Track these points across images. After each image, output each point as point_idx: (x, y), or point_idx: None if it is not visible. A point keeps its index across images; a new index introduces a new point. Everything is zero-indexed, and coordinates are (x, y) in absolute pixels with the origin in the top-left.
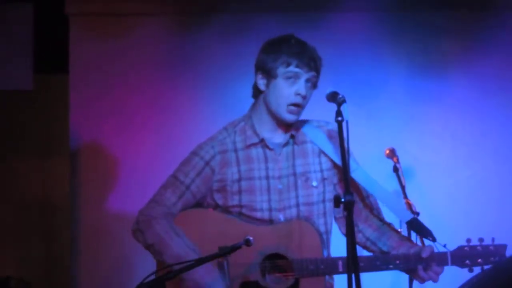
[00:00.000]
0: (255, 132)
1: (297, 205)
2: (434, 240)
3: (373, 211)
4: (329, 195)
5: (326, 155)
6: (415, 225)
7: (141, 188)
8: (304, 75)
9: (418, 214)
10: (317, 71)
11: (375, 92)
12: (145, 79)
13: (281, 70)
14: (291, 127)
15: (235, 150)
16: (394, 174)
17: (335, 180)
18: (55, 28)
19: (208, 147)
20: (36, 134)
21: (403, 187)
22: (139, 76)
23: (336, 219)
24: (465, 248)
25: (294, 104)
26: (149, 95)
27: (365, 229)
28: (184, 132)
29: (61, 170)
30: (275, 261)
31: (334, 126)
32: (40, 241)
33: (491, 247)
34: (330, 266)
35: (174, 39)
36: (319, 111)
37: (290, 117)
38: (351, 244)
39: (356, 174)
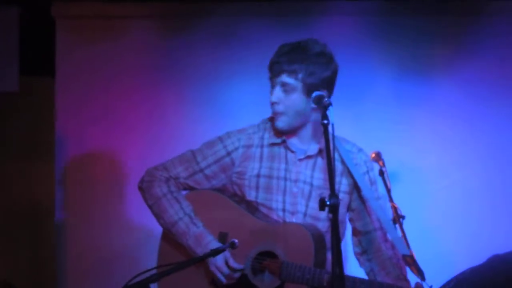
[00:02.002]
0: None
1: (305, 214)
2: (423, 279)
3: (385, 242)
4: (340, 217)
5: (350, 177)
6: (409, 261)
7: (128, 192)
8: (277, 81)
9: (403, 217)
10: (294, 72)
11: (362, 95)
12: (132, 82)
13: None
14: (306, 139)
15: (261, 146)
16: (379, 178)
17: (354, 205)
18: (41, 30)
19: (235, 139)
20: (21, 137)
21: (388, 190)
22: (126, 79)
23: (355, 253)
24: None
25: (274, 113)
26: (136, 98)
27: (374, 260)
28: (172, 134)
29: (46, 173)
30: (265, 260)
31: (365, 155)
32: (27, 245)
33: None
34: (316, 278)
35: (162, 42)
36: None
37: (276, 124)
38: (336, 248)
39: (376, 203)
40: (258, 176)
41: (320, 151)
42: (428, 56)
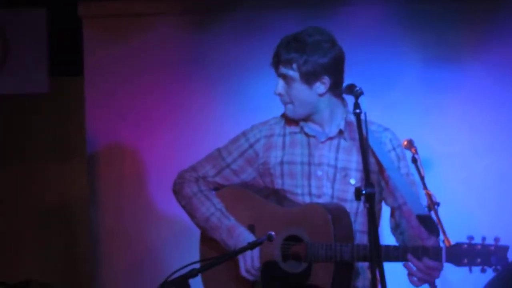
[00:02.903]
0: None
1: (332, 196)
2: (437, 237)
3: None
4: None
5: (374, 156)
6: (424, 219)
7: (158, 188)
8: (278, 73)
9: (438, 204)
10: (289, 61)
11: (390, 83)
12: (159, 78)
13: None
14: (326, 122)
15: (284, 135)
16: (412, 165)
17: (382, 184)
18: (69, 31)
19: (256, 131)
20: (53, 137)
21: (422, 178)
22: (153, 76)
23: (391, 229)
24: (463, 245)
25: (283, 103)
26: (164, 94)
27: (405, 232)
28: (200, 130)
29: (79, 173)
30: (291, 244)
31: (390, 133)
32: (60, 244)
33: (491, 247)
34: (338, 253)
35: (187, 38)
36: None
37: (286, 113)
38: (374, 237)
39: (401, 179)
40: (281, 163)
41: (340, 132)
42: (455, 41)
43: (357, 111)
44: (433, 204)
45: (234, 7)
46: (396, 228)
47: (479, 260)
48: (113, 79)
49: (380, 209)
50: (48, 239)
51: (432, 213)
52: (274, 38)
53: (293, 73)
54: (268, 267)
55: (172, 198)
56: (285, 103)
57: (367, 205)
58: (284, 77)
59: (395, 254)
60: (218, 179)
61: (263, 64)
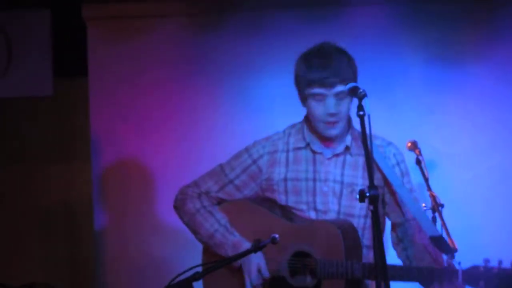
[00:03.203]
0: (303, 136)
1: (338, 212)
2: (452, 258)
3: (420, 232)
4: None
5: (379, 171)
6: (437, 241)
7: (163, 189)
8: (329, 93)
9: (442, 206)
10: (344, 81)
11: (393, 84)
12: (164, 80)
13: (307, 91)
14: (336, 139)
15: (287, 151)
16: (417, 167)
17: (386, 199)
18: (73, 32)
19: (259, 147)
20: (56, 138)
21: (426, 179)
22: (158, 77)
23: (393, 244)
24: (480, 268)
25: (328, 123)
26: (167, 95)
27: (409, 248)
28: (204, 131)
29: (83, 175)
30: (301, 260)
31: (394, 148)
32: (64, 246)
33: (509, 271)
34: (349, 270)
35: (192, 39)
36: None
37: (328, 133)
38: (377, 240)
39: (407, 194)
40: (285, 180)
41: (347, 148)
42: (458, 41)
43: (361, 113)
44: (437, 206)
45: (236, 8)
46: (398, 243)
47: (497, 281)
48: (117, 80)
49: (384, 223)
50: (51, 241)
51: (436, 215)
52: (276, 39)
53: (343, 89)
54: (275, 282)
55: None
56: (334, 122)
57: (371, 207)
58: (338, 94)
59: (410, 274)
60: (220, 195)
61: (266, 64)
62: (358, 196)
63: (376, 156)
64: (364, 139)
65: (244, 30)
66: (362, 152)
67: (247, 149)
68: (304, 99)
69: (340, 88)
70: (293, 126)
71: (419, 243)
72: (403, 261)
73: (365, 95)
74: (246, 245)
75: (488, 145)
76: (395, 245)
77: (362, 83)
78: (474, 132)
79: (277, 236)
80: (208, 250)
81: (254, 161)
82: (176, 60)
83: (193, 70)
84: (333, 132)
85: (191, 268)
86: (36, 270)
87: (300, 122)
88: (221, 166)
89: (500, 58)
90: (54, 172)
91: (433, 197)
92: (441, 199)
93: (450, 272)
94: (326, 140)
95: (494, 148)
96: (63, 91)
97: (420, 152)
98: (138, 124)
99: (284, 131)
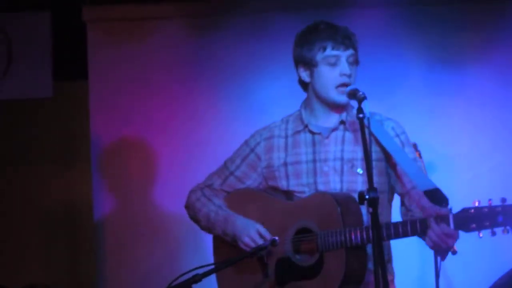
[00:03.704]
0: (301, 120)
1: (341, 190)
2: (446, 206)
3: (423, 198)
4: (379, 186)
5: (378, 144)
6: (433, 193)
7: (163, 191)
8: (343, 55)
9: None
10: (354, 48)
11: (395, 86)
12: (164, 82)
13: (319, 56)
14: (344, 110)
15: (286, 137)
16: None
17: (389, 171)
18: (73, 35)
19: (257, 135)
20: (57, 141)
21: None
22: (158, 79)
23: (402, 216)
24: (470, 210)
25: (342, 85)
26: (168, 97)
27: (415, 214)
28: (205, 133)
29: (83, 176)
30: (302, 236)
31: (393, 122)
32: (65, 248)
33: (498, 208)
34: (347, 238)
35: (192, 41)
36: None
37: (339, 99)
38: (377, 241)
39: (408, 164)
40: (285, 164)
41: (342, 122)
42: (459, 44)
43: (360, 115)
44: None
45: (237, 10)
46: (406, 213)
47: (487, 223)
48: (117, 82)
49: (391, 199)
50: (53, 243)
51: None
52: (277, 41)
53: (356, 57)
54: (281, 263)
55: (177, 202)
56: (347, 84)
57: (370, 209)
58: (351, 57)
59: (404, 229)
60: (224, 187)
61: (266, 67)
62: (357, 198)
63: (374, 130)
64: (364, 141)
65: (245, 32)
66: (359, 127)
67: (245, 141)
68: (311, 70)
69: (351, 51)
70: (290, 114)
71: (425, 205)
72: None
73: (364, 98)
74: (236, 216)
75: (489, 147)
76: (404, 216)
77: (362, 85)
78: (474, 134)
79: (277, 238)
80: (218, 249)
81: (252, 149)
82: (177, 62)
83: (194, 72)
84: (344, 98)
85: (191, 270)
86: (36, 271)
87: (297, 111)
88: (225, 161)
89: (500, 61)
90: (54, 174)
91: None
92: None
93: (442, 217)
94: (330, 115)
95: (494, 149)
96: (63, 93)
97: (420, 154)
98: (138, 126)
99: (282, 119)
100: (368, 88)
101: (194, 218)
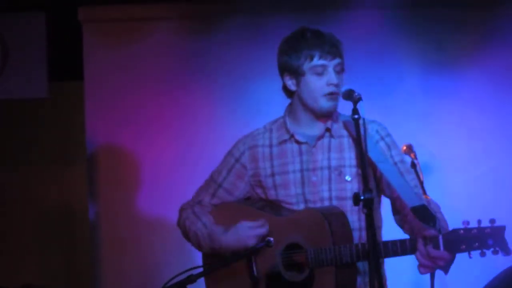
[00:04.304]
0: (286, 129)
1: (330, 198)
2: (433, 225)
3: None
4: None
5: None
6: (419, 211)
7: (159, 192)
8: (330, 64)
9: None
10: (341, 56)
11: (390, 88)
12: (160, 82)
13: (306, 66)
14: (329, 119)
15: (270, 146)
16: (412, 170)
17: (378, 175)
18: (69, 35)
19: (240, 144)
20: (53, 141)
21: (421, 183)
22: (154, 80)
23: (396, 221)
24: (460, 231)
25: (329, 93)
26: (164, 99)
27: (408, 216)
28: (201, 135)
29: (79, 177)
30: (292, 252)
31: (377, 124)
32: (60, 248)
33: (487, 230)
34: (337, 256)
35: (188, 43)
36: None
37: (328, 105)
38: (372, 242)
39: (391, 168)
40: (272, 175)
41: (327, 130)
42: (453, 48)
43: (356, 116)
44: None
45: (232, 11)
46: (400, 217)
47: (476, 244)
48: (113, 83)
49: (379, 201)
50: (49, 243)
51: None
52: (272, 42)
53: (342, 66)
54: (271, 277)
55: (169, 202)
56: (334, 93)
57: (365, 210)
58: (338, 66)
59: (394, 248)
60: (214, 202)
61: (261, 68)
62: (352, 199)
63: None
64: (359, 142)
65: (240, 33)
66: (345, 133)
67: (229, 151)
68: (297, 79)
69: (337, 60)
70: (273, 121)
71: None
72: (408, 233)
73: (360, 99)
74: (218, 229)
75: (483, 150)
76: (397, 221)
77: (357, 87)
78: (469, 137)
79: (271, 239)
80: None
81: (237, 160)
82: (172, 63)
83: (189, 73)
84: (331, 104)
85: (186, 271)
86: (32, 271)
87: (281, 117)
88: (211, 174)
89: (495, 65)
90: (50, 174)
91: (426, 198)
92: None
93: (431, 239)
94: (315, 123)
95: (488, 153)
96: (59, 95)
97: (415, 155)
98: (134, 127)
99: (264, 126)
100: (363, 89)
101: (186, 237)
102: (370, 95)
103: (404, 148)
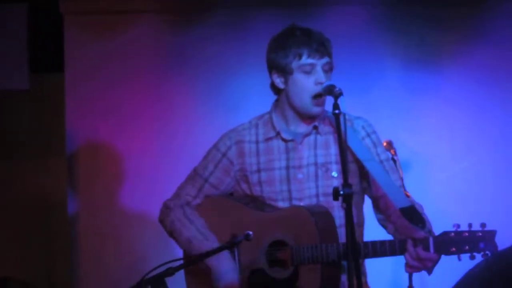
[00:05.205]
0: (272, 126)
1: (317, 195)
2: (423, 227)
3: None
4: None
5: (349, 147)
6: (408, 213)
7: (139, 186)
8: (319, 63)
9: None
10: (329, 55)
11: (371, 84)
12: (141, 76)
13: (295, 64)
14: (316, 118)
15: (257, 142)
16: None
17: (362, 173)
18: (50, 27)
19: (226, 139)
20: (33, 133)
21: (401, 179)
22: (135, 73)
23: (378, 220)
24: (451, 234)
25: (318, 95)
26: (144, 92)
27: (392, 217)
28: (182, 129)
29: (58, 169)
30: (276, 249)
31: (363, 120)
32: (40, 242)
33: (479, 233)
34: (324, 253)
35: (170, 37)
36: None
37: (316, 110)
38: (351, 236)
39: (377, 166)
40: (258, 171)
41: (314, 127)
42: (435, 44)
43: (336, 111)
44: None
45: (216, 5)
46: (383, 216)
47: (467, 247)
48: (93, 75)
49: (363, 199)
50: (27, 236)
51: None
52: (254, 37)
53: (331, 64)
54: (255, 274)
55: (149, 197)
56: (323, 99)
57: (345, 205)
58: (326, 65)
59: (382, 249)
60: (200, 198)
61: (243, 63)
62: (332, 194)
63: (347, 134)
64: (340, 137)
65: (221, 28)
66: (331, 130)
67: (215, 145)
68: (285, 78)
69: (326, 59)
70: (260, 117)
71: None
72: (392, 233)
73: (341, 94)
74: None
75: (463, 146)
76: (381, 221)
77: (339, 82)
78: (449, 134)
79: (251, 233)
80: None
81: (224, 154)
82: (153, 56)
83: (170, 66)
84: (319, 109)
85: (165, 263)
86: (11, 265)
87: (267, 113)
88: (194, 169)
89: (476, 62)
90: (30, 168)
91: (408, 197)
92: (416, 199)
93: (422, 241)
94: (302, 122)
95: (469, 149)
96: (39, 86)
97: (395, 152)
98: (114, 119)
99: (250, 122)
100: (344, 85)
101: (173, 237)
102: (351, 91)
103: (384, 144)
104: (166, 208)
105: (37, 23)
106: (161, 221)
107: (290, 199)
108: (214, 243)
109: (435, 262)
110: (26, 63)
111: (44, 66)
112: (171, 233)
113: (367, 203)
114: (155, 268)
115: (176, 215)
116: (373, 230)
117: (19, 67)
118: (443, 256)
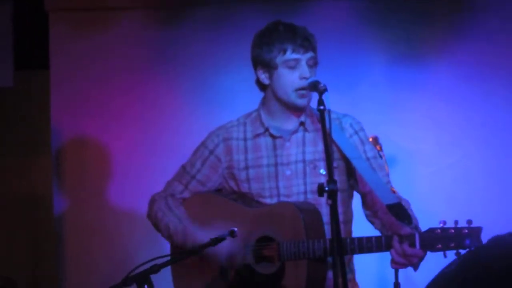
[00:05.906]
0: (261, 122)
1: (305, 192)
2: (409, 224)
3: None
4: (340, 185)
5: (335, 145)
6: (394, 209)
7: (126, 183)
8: (303, 58)
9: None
10: (314, 50)
11: (356, 80)
12: (126, 73)
13: (279, 59)
14: (303, 113)
15: (245, 139)
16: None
17: (350, 170)
18: (35, 24)
19: (213, 136)
20: (18, 131)
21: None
22: (120, 70)
23: (366, 216)
24: (437, 230)
25: (302, 88)
26: (131, 90)
27: (379, 213)
28: (167, 126)
29: (44, 167)
30: (264, 245)
31: (350, 118)
32: (25, 239)
33: (465, 230)
34: (310, 249)
35: (155, 33)
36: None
37: (301, 101)
38: (336, 233)
39: (365, 164)
40: (246, 168)
41: (301, 124)
42: (421, 39)
43: (321, 107)
44: None
45: (202, 2)
46: (370, 212)
47: (453, 244)
48: (79, 73)
49: (351, 196)
50: (13, 233)
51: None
52: (242, 34)
53: (316, 59)
54: (241, 269)
55: (136, 194)
56: (306, 92)
57: (330, 201)
58: (311, 60)
59: (368, 245)
60: (185, 194)
61: (228, 59)
62: (317, 190)
63: (332, 129)
64: (324, 133)
65: (208, 24)
66: (319, 127)
67: (202, 142)
68: (270, 73)
69: (310, 54)
70: (247, 115)
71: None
72: (379, 229)
73: (325, 90)
74: (193, 228)
75: (449, 142)
76: (369, 217)
77: (324, 78)
78: (435, 129)
79: (235, 229)
80: (178, 277)
81: (211, 152)
82: (138, 53)
83: (157, 64)
84: (304, 101)
85: (150, 260)
86: None
87: (255, 110)
88: (182, 166)
89: (462, 56)
90: (15, 165)
91: (393, 193)
92: (402, 195)
93: (408, 237)
94: (289, 117)
95: (455, 145)
96: (24, 84)
97: (381, 148)
98: (99, 116)
99: (238, 120)
100: (329, 81)
101: (156, 228)
102: (336, 86)
103: (370, 140)
104: (151, 202)
105: (22, 20)
106: (148, 216)
107: (278, 195)
108: (186, 223)
109: (421, 258)
110: (11, 61)
111: (29, 63)
112: (154, 224)
113: (356, 200)
114: (140, 265)
115: (159, 205)
116: (362, 226)
117: (4, 64)
118: (429, 253)
